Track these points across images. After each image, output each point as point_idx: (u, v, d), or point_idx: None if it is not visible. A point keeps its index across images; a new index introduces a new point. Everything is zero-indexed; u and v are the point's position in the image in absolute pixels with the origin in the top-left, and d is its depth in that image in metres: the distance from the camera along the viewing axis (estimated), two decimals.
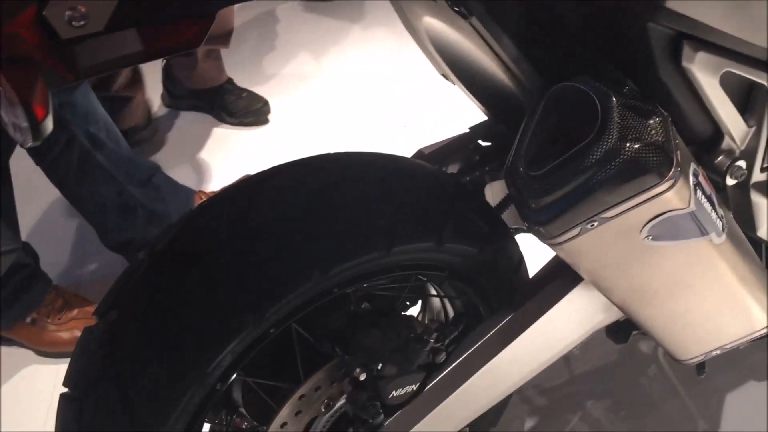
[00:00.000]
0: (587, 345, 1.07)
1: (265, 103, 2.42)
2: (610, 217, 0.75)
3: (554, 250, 0.82)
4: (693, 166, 0.78)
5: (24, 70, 0.58)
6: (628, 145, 0.72)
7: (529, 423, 1.49)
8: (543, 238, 0.79)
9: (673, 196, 0.74)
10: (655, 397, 1.53)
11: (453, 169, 1.18)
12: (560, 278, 0.96)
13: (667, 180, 0.73)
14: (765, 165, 0.94)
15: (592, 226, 0.76)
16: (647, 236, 0.78)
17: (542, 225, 0.77)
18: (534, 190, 0.75)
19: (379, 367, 0.92)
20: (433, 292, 1.13)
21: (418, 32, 1.03)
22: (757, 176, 0.94)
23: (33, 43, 0.60)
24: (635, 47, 0.78)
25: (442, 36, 0.98)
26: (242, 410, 1.06)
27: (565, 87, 0.75)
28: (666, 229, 0.78)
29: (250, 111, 2.38)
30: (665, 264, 0.82)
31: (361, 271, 0.90)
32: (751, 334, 0.98)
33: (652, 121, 0.74)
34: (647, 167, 0.72)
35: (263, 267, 0.86)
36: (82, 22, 0.62)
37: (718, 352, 1.01)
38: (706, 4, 0.76)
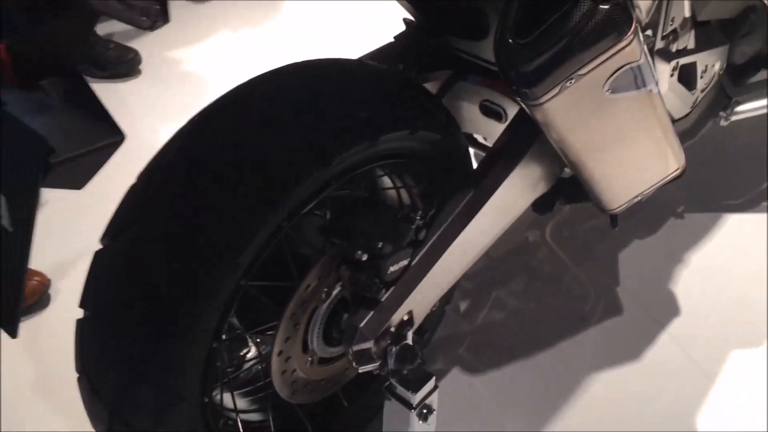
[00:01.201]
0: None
1: (136, 53, 2.36)
2: (584, 74, 0.90)
3: (533, 112, 0.96)
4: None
5: None
6: (600, 7, 0.86)
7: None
8: (528, 99, 0.92)
9: (632, 50, 0.90)
10: (552, 272, 1.75)
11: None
12: (503, 160, 1.10)
13: (629, 35, 0.88)
14: (664, 34, 1.13)
15: (570, 83, 0.90)
16: (608, 90, 0.93)
17: (531, 86, 0.89)
18: (523, 56, 0.88)
19: (379, 246, 1.02)
20: (389, 183, 1.24)
21: None
22: (659, 44, 1.13)
23: None
24: None
25: None
26: (234, 320, 1.11)
27: None
28: (623, 81, 0.93)
29: (121, 62, 2.31)
30: (617, 114, 0.99)
31: (354, 161, 0.99)
32: (666, 177, 1.18)
33: None
34: (615, 25, 0.87)
35: (270, 164, 0.92)
36: None
37: (639, 198, 1.21)
38: None
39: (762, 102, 1.48)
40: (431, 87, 1.28)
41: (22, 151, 0.65)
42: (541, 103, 0.92)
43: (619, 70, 0.92)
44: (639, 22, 1.05)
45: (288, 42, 2.57)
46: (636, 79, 0.94)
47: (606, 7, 0.86)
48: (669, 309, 1.64)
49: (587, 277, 1.75)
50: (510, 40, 0.88)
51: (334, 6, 2.67)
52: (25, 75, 0.66)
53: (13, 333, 0.72)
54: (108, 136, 0.68)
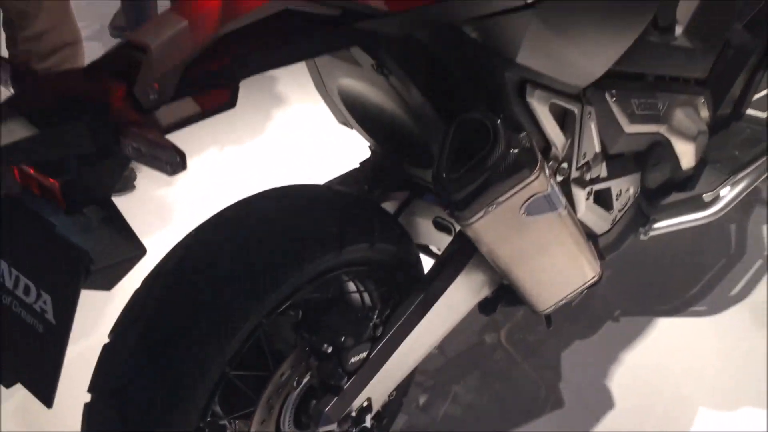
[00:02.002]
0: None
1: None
2: (503, 201, 1.14)
3: (465, 230, 1.19)
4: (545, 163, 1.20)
5: (149, 128, 0.84)
6: (511, 151, 1.11)
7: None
8: (460, 221, 1.16)
9: (540, 183, 1.15)
10: (505, 370, 1.95)
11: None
12: (449, 268, 1.33)
13: (536, 172, 1.13)
14: (578, 165, 1.39)
15: (492, 208, 1.14)
16: (524, 213, 1.18)
17: (461, 210, 1.14)
18: (455, 188, 1.12)
19: (342, 339, 1.23)
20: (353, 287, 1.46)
21: (330, 91, 1.38)
22: (574, 173, 1.39)
23: (126, 112, 0.86)
24: (499, 89, 1.19)
25: (353, 92, 1.33)
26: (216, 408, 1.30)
27: (466, 117, 1.13)
28: (535, 206, 1.18)
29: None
30: (533, 232, 1.23)
31: (323, 268, 1.21)
32: (584, 284, 1.42)
33: (521, 135, 1.14)
34: (524, 165, 1.12)
35: (254, 272, 1.14)
36: (155, 96, 0.88)
37: (564, 301, 1.43)
38: (540, 59, 1.19)
39: (676, 220, 1.74)
40: (392, 205, 1.52)
41: (67, 261, 0.87)
42: (471, 224, 1.16)
43: (531, 198, 1.16)
44: (548, 160, 1.30)
45: (273, 159, 2.84)
46: (546, 205, 1.19)
47: (516, 151, 1.12)
48: (607, 404, 1.83)
49: (537, 374, 1.95)
50: (444, 175, 1.13)
51: (312, 128, 2.96)
52: (71, 204, 0.89)
53: (48, 403, 0.91)
54: (133, 250, 0.91)
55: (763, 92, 1.99)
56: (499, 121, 1.11)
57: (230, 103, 0.96)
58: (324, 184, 1.41)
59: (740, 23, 1.82)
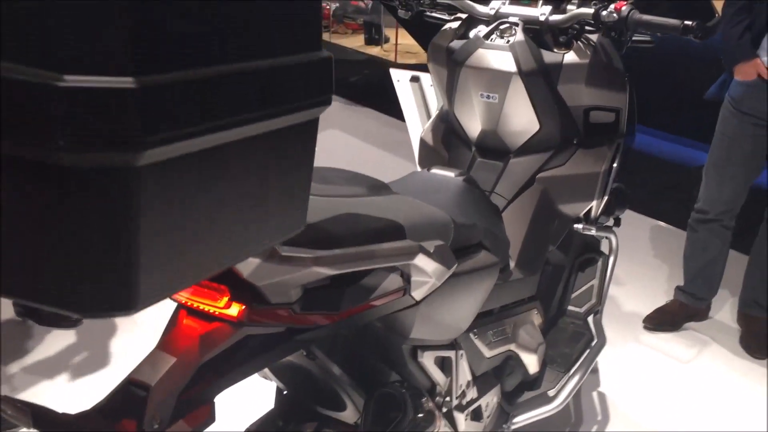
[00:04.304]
0: None
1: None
2: None
3: None
4: None
5: None
6: (417, 416, 1.44)
7: None
8: None
9: (436, 425, 1.49)
10: None
11: None
12: None
13: (437, 422, 1.47)
14: (456, 395, 1.74)
15: None
16: None
17: None
18: None
19: None
20: None
21: None
22: (455, 402, 1.74)
23: None
24: (398, 356, 1.53)
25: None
26: None
27: (383, 391, 1.46)
28: None
29: (64, 317, 2.54)
30: None
31: None
32: None
33: (423, 400, 1.48)
34: (428, 423, 1.45)
35: None
36: (157, 425, 1.13)
37: None
38: (425, 331, 1.55)
39: (530, 414, 2.14)
40: None
41: None
42: None
43: None
44: (433, 397, 1.65)
45: None
46: None
47: (421, 415, 1.46)
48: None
49: None
50: None
51: None
52: None
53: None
54: None
55: (577, 292, 2.51)
56: (405, 392, 1.45)
57: (211, 418, 1.21)
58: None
59: (554, 245, 2.33)
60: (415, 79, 2.91)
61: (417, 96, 2.92)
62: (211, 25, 0.79)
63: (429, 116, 2.92)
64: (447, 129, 2.40)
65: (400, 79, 2.94)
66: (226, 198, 0.87)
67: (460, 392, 1.75)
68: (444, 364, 1.68)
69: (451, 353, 1.68)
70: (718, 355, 3.10)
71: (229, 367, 1.23)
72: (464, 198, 1.88)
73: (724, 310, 3.40)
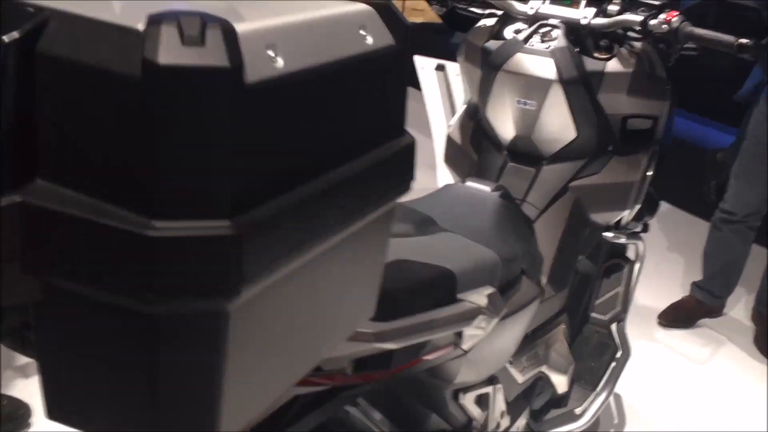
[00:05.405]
0: None
1: (27, 408, 2.45)
2: None
3: None
4: None
5: None
6: None
7: None
8: None
9: None
10: None
11: None
12: None
13: None
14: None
15: None
16: None
17: None
18: None
19: None
20: None
21: None
22: None
23: None
24: (443, 400, 1.48)
25: None
26: None
27: None
28: None
29: (12, 419, 2.46)
30: None
31: None
32: None
33: None
34: None
35: None
36: None
37: None
38: (467, 375, 1.50)
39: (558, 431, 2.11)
40: None
41: None
42: None
43: None
44: None
45: None
46: None
47: None
48: None
49: None
50: None
51: None
52: None
53: None
54: None
55: (602, 299, 2.46)
56: None
57: None
58: None
59: (584, 255, 2.27)
60: (440, 68, 2.79)
61: (441, 85, 2.81)
62: (307, 136, 0.70)
63: (453, 108, 2.82)
64: (476, 128, 2.30)
65: (424, 66, 2.82)
66: (311, 309, 0.80)
67: (495, 425, 1.71)
68: (481, 400, 1.64)
69: (489, 389, 1.63)
70: (732, 354, 3.08)
71: (278, 429, 1.18)
72: (503, 219, 1.80)
73: (739, 306, 3.38)
